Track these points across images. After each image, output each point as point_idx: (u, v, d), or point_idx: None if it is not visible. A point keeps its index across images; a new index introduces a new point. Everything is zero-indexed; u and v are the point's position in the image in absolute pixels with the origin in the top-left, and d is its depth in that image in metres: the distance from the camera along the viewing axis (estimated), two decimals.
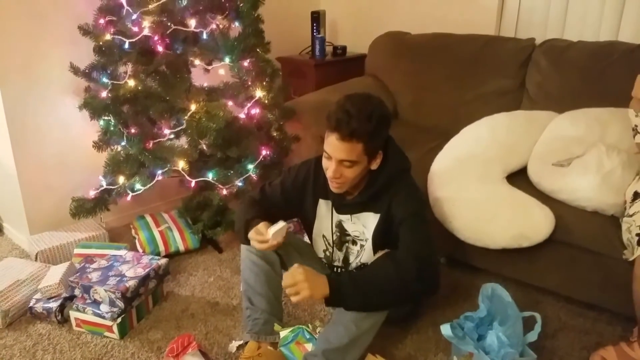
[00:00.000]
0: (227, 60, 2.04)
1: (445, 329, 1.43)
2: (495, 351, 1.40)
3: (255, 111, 2.14)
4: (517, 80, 2.43)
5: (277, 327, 1.67)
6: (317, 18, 3.14)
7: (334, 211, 1.72)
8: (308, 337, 1.62)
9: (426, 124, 2.63)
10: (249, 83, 2.12)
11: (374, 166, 1.57)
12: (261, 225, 1.58)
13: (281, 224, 1.53)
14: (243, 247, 1.71)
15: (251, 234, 1.57)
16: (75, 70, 2.16)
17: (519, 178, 1.99)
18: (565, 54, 2.29)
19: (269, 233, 1.52)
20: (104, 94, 2.13)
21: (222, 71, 2.17)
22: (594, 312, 1.90)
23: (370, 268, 1.55)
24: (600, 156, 1.79)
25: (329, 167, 1.54)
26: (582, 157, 1.85)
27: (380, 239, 1.64)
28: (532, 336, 1.44)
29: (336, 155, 1.50)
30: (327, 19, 3.21)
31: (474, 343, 1.44)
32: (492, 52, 2.48)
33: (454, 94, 2.56)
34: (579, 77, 2.23)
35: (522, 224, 1.81)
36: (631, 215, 1.60)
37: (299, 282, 1.42)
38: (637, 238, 1.50)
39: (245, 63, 2.08)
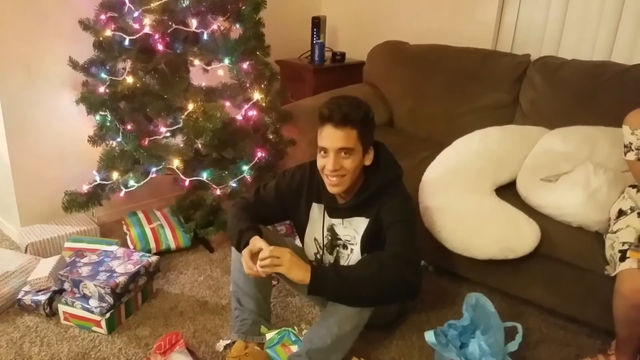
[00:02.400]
0: (226, 61, 2.05)
1: (429, 336, 1.45)
2: (476, 359, 1.43)
3: (253, 113, 2.16)
4: (511, 95, 2.47)
5: (263, 329, 1.69)
6: (317, 23, 3.17)
7: (326, 215, 1.75)
8: (294, 339, 1.64)
9: (421, 134, 2.67)
10: (247, 85, 2.13)
11: (368, 162, 1.61)
12: (254, 247, 1.58)
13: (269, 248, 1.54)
14: (234, 248, 1.73)
15: (245, 258, 1.57)
16: (74, 64, 2.16)
17: (507, 191, 2.03)
18: (558, 72, 2.33)
19: (263, 250, 1.53)
20: (101, 89, 2.14)
21: (221, 72, 2.19)
22: (575, 325, 1.94)
23: (355, 264, 1.60)
24: (588, 174, 1.84)
25: (326, 162, 1.56)
26: (569, 174, 1.89)
27: (369, 243, 1.67)
28: (513, 346, 1.47)
29: (333, 144, 1.53)
30: (327, 24, 3.25)
31: (457, 350, 1.47)
32: (488, 67, 2.52)
33: (449, 105, 2.59)
34: (571, 96, 2.27)
35: (509, 236, 1.84)
36: (615, 232, 1.64)
37: (281, 258, 1.48)
38: (619, 254, 1.54)
39: (245, 65, 2.10)
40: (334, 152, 1.54)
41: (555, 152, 2.01)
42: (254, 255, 1.55)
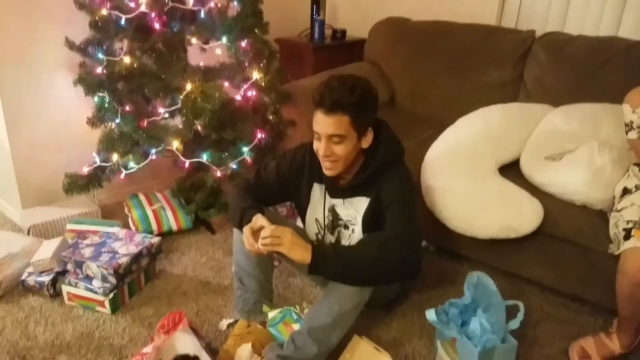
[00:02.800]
0: (224, 40, 2.02)
1: (430, 314, 1.46)
2: (477, 337, 1.44)
3: (252, 93, 2.13)
4: (516, 73, 2.43)
5: (265, 308, 1.70)
6: (317, 0, 3.11)
7: (327, 195, 1.74)
8: (295, 318, 1.65)
9: (423, 113, 2.64)
10: (246, 64, 2.11)
11: (365, 144, 1.58)
12: (256, 224, 1.57)
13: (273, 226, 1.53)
14: (235, 229, 1.73)
15: (246, 234, 1.56)
16: (70, 44, 2.14)
17: (511, 170, 2.01)
18: (564, 48, 2.29)
19: (264, 229, 1.52)
20: (99, 70, 2.12)
21: (219, 51, 2.16)
22: (577, 304, 1.95)
23: (355, 244, 1.59)
24: (592, 152, 1.82)
25: (319, 147, 1.55)
26: (574, 152, 1.87)
27: (370, 222, 1.66)
28: (514, 324, 1.47)
29: (324, 131, 1.51)
30: (327, 1, 3.17)
31: (458, 328, 1.47)
32: (492, 43, 2.48)
33: (451, 83, 2.56)
34: (576, 72, 2.23)
35: (511, 215, 1.83)
36: (619, 211, 1.62)
37: (282, 237, 1.48)
38: (623, 233, 1.53)
39: (243, 44, 2.07)
40: (325, 138, 1.52)
41: (559, 130, 1.98)
42: (256, 233, 1.55)
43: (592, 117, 1.97)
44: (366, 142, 1.58)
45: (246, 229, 1.56)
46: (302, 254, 1.49)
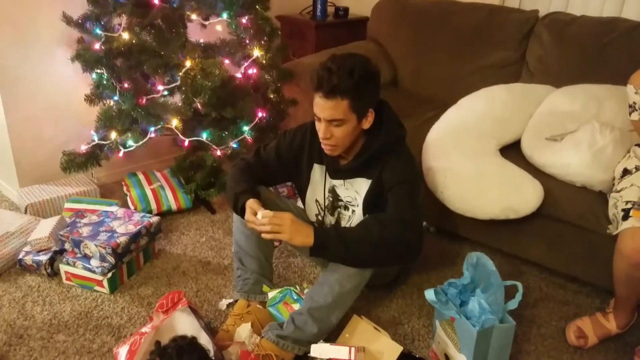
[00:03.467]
0: (224, 16, 1.99)
1: (429, 294, 1.46)
2: (476, 317, 1.44)
3: (252, 71, 2.11)
4: (518, 53, 2.40)
5: (265, 288, 1.70)
6: None
7: (327, 176, 1.73)
8: (295, 297, 1.65)
9: (425, 94, 2.61)
10: (247, 41, 2.08)
11: (366, 125, 1.57)
12: (256, 204, 1.56)
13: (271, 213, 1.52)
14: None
15: (249, 219, 1.55)
16: (67, 20, 2.11)
17: (512, 151, 2.00)
18: (567, 29, 2.26)
19: (262, 216, 1.51)
20: (97, 46, 2.08)
21: (219, 27, 2.12)
22: (575, 285, 1.96)
23: (356, 226, 1.58)
24: (593, 133, 1.81)
25: (319, 129, 1.54)
26: (575, 133, 1.86)
27: (371, 204, 1.65)
28: (513, 304, 1.48)
29: (323, 115, 1.50)
30: None
31: (456, 308, 1.48)
32: (495, 23, 2.44)
33: (454, 64, 2.53)
34: (579, 53, 2.21)
35: (512, 196, 1.83)
36: (619, 191, 1.62)
37: (283, 224, 1.47)
38: (622, 213, 1.53)
39: (244, 20, 2.04)
40: (324, 121, 1.51)
41: (561, 111, 1.97)
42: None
43: (594, 98, 1.95)
44: (367, 123, 1.57)
45: (248, 217, 1.55)
46: (304, 239, 1.49)
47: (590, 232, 1.77)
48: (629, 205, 1.52)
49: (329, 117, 1.49)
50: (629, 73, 1.64)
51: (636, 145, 1.73)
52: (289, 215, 1.50)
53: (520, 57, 2.40)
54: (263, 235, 1.51)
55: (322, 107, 1.49)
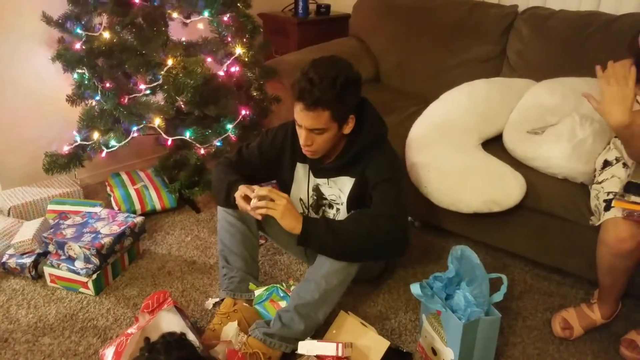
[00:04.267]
0: (206, 14, 1.98)
1: (415, 288, 1.47)
2: (462, 310, 1.45)
3: (235, 69, 2.10)
4: (499, 47, 2.42)
5: (252, 286, 1.70)
6: None
7: (311, 175, 1.73)
8: (282, 295, 1.65)
9: (408, 89, 2.62)
10: (229, 39, 2.07)
11: (347, 130, 1.57)
12: (246, 187, 1.56)
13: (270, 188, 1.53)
14: (220, 208, 1.72)
15: (242, 190, 1.56)
16: (47, 20, 2.08)
17: (494, 145, 2.02)
18: (546, 23, 2.28)
19: (263, 190, 1.52)
20: (77, 45, 2.06)
21: (200, 25, 2.11)
22: (559, 276, 1.98)
23: (345, 219, 1.59)
24: (574, 125, 1.83)
25: (300, 135, 1.55)
26: (555, 126, 1.88)
27: (355, 202, 1.66)
28: (498, 297, 1.49)
29: (304, 124, 1.50)
30: None
31: (442, 302, 1.49)
32: (476, 18, 2.46)
33: (436, 59, 2.55)
34: (558, 47, 2.24)
35: (494, 189, 1.85)
36: (600, 183, 1.64)
37: (277, 202, 1.49)
38: (604, 204, 1.55)
39: (225, 18, 2.02)
40: (305, 129, 1.51)
41: (542, 104, 1.99)
42: (247, 198, 1.54)
43: (574, 91, 1.97)
44: (348, 128, 1.57)
45: (238, 198, 1.55)
46: (293, 223, 1.50)
47: (573, 223, 1.79)
48: (611, 196, 1.54)
49: (310, 127, 1.50)
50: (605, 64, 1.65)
51: (616, 137, 1.75)
52: (286, 197, 1.51)
53: (500, 51, 2.42)
54: (255, 210, 1.50)
55: (303, 118, 1.49)
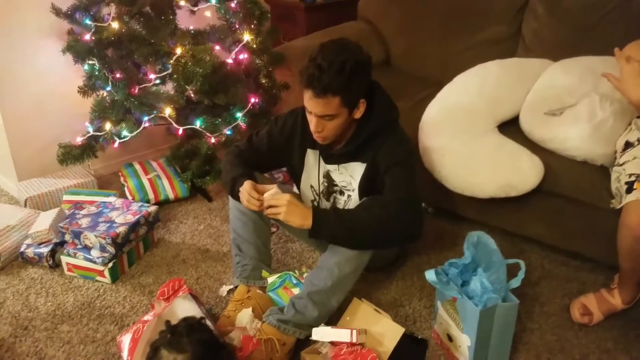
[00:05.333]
0: (213, 1, 1.97)
1: (430, 275, 1.45)
2: (478, 296, 1.43)
3: (243, 56, 2.08)
4: (513, 28, 2.35)
5: (265, 273, 1.70)
6: None
7: (321, 161, 1.71)
8: (295, 282, 1.65)
9: (419, 73, 2.57)
10: (237, 26, 2.06)
11: (358, 115, 1.55)
12: (250, 187, 1.56)
13: (274, 189, 1.53)
14: (231, 197, 1.72)
15: (246, 195, 1.55)
16: (57, 11, 2.09)
17: (510, 127, 1.97)
18: (562, 1, 2.21)
19: (265, 195, 1.52)
20: (87, 36, 2.07)
21: (208, 13, 2.10)
22: (578, 261, 1.94)
23: (355, 208, 1.57)
24: (593, 106, 1.77)
25: (310, 122, 1.53)
26: (574, 107, 1.83)
27: (367, 188, 1.64)
28: (515, 282, 1.46)
29: (314, 111, 1.49)
30: None
31: (458, 288, 1.47)
32: None
33: (448, 41, 2.49)
34: (575, 25, 2.17)
35: (511, 173, 1.81)
36: (621, 165, 1.60)
37: (280, 204, 1.48)
38: (625, 187, 1.51)
39: (233, 4, 2.01)
40: (315, 116, 1.49)
41: (559, 85, 1.93)
42: (255, 192, 1.54)
43: (592, 71, 1.91)
44: (359, 112, 1.55)
45: (246, 193, 1.54)
46: (301, 220, 1.49)
47: (592, 207, 1.75)
48: (633, 178, 1.50)
49: (320, 114, 1.48)
50: (626, 44, 1.61)
51: (638, 117, 1.70)
52: (287, 197, 1.49)
53: (515, 31, 2.36)
54: (265, 210, 1.51)
55: (313, 105, 1.47)
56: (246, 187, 1.56)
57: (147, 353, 1.26)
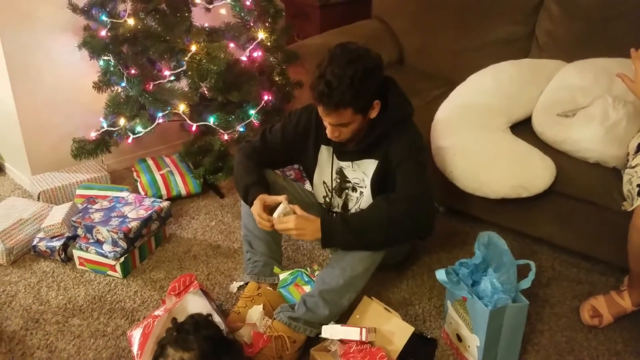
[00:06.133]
0: None
1: (440, 274, 1.45)
2: (488, 296, 1.43)
3: (257, 54, 2.09)
4: (527, 28, 2.34)
5: (276, 269, 1.71)
6: None
7: (334, 158, 1.72)
8: (306, 279, 1.66)
9: (432, 71, 2.57)
10: (251, 24, 2.06)
11: (373, 115, 1.55)
12: (260, 207, 1.56)
13: (282, 206, 1.53)
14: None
15: (257, 217, 1.57)
16: (73, 7, 2.11)
17: (523, 128, 1.97)
18: (577, 1, 2.19)
19: (274, 217, 1.53)
20: (103, 32, 2.08)
21: (223, 11, 2.11)
22: (588, 263, 1.94)
23: (365, 209, 1.58)
24: (606, 107, 1.77)
25: (327, 129, 1.55)
26: (587, 108, 1.82)
27: (379, 184, 1.64)
28: (526, 283, 1.46)
29: (329, 120, 1.51)
30: None
31: (468, 288, 1.47)
32: None
33: (461, 40, 2.48)
34: (590, 26, 2.15)
35: (522, 174, 1.80)
36: (633, 167, 1.59)
37: (288, 228, 1.50)
38: (637, 189, 1.50)
39: (247, 2, 2.02)
40: (330, 125, 1.51)
41: (573, 86, 1.93)
42: (266, 209, 1.56)
43: (606, 72, 1.91)
44: (374, 112, 1.55)
45: (255, 214, 1.56)
46: (312, 235, 1.50)
47: (604, 208, 1.74)
48: None
49: (334, 123, 1.50)
50: None
51: None
52: (293, 218, 1.50)
53: (529, 31, 2.34)
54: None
55: (326, 116, 1.50)
56: (256, 209, 1.56)
57: (155, 351, 1.26)
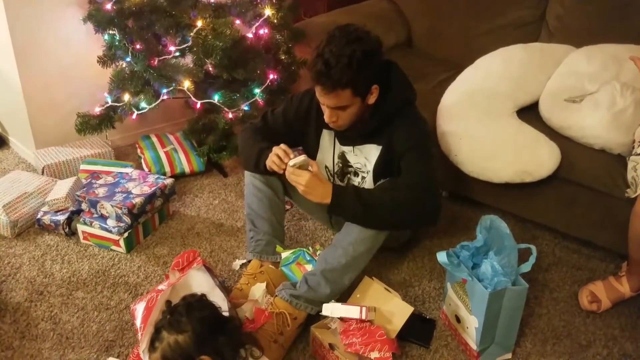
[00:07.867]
0: None
1: (441, 256, 1.46)
2: (488, 279, 1.44)
3: (264, 31, 2.07)
4: (538, 12, 2.32)
5: (279, 248, 1.72)
6: None
7: (336, 142, 1.71)
8: (308, 258, 1.67)
9: (440, 54, 2.54)
10: (258, 0, 2.03)
11: (371, 100, 1.55)
12: (282, 150, 1.56)
13: (302, 158, 1.53)
14: (247, 172, 1.73)
15: (280, 151, 1.55)
16: None
17: (530, 113, 1.95)
18: None
19: (289, 164, 1.52)
20: (108, 6, 2.06)
21: None
22: (589, 249, 1.94)
23: (375, 188, 1.59)
24: (614, 94, 1.75)
25: (324, 112, 1.54)
26: (594, 94, 1.81)
27: (382, 170, 1.65)
28: (526, 267, 1.47)
29: (327, 104, 1.49)
30: None
31: (468, 270, 1.48)
32: None
33: (470, 23, 2.46)
34: (600, 12, 2.13)
35: (527, 159, 1.80)
36: (639, 154, 1.58)
37: (299, 182, 1.50)
38: None
39: None
40: (328, 108, 1.50)
41: (581, 71, 1.91)
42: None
43: (614, 58, 1.89)
44: (373, 98, 1.54)
45: (276, 149, 1.55)
46: (320, 198, 1.50)
47: (607, 195, 1.74)
48: None
49: (332, 106, 1.49)
50: None
51: None
52: (306, 175, 1.50)
53: (539, 16, 2.32)
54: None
55: (324, 98, 1.48)
56: (282, 146, 1.56)
57: (152, 334, 1.27)
